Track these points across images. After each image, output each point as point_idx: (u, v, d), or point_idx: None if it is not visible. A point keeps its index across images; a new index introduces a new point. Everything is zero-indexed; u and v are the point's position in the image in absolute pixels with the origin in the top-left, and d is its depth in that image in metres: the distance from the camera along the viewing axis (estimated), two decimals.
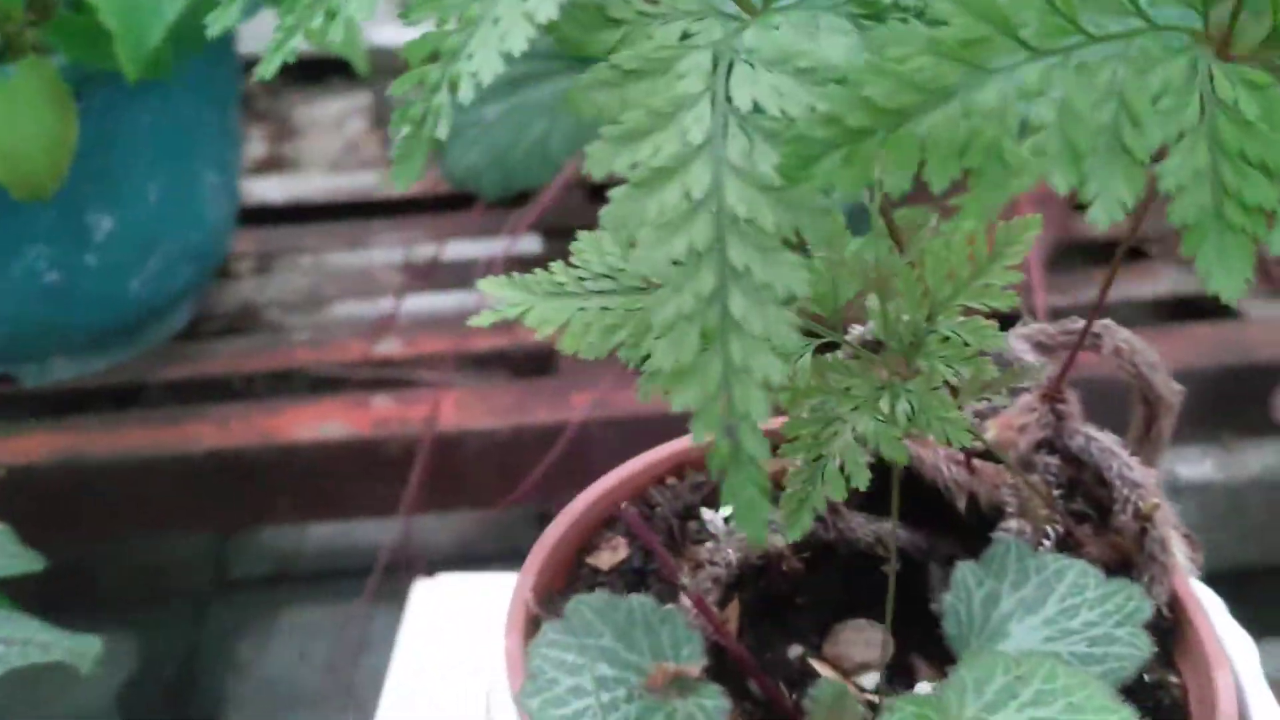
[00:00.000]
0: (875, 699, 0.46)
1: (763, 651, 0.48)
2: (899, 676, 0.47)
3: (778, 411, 0.36)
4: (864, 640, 0.48)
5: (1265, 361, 1.06)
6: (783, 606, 0.49)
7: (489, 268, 1.10)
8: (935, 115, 0.28)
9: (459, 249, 1.22)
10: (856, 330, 0.47)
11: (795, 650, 0.48)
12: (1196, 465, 1.16)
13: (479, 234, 1.23)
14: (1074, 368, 0.48)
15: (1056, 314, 1.06)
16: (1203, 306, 1.13)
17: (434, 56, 0.35)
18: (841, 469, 0.39)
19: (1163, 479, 0.48)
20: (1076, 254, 1.18)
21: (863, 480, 0.39)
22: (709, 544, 0.48)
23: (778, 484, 0.54)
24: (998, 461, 0.48)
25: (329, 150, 1.67)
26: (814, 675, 0.47)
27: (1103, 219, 0.28)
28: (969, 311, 0.41)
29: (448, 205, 1.27)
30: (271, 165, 1.59)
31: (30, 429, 1.05)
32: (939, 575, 0.49)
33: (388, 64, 1.40)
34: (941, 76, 0.28)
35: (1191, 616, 0.45)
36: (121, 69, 0.87)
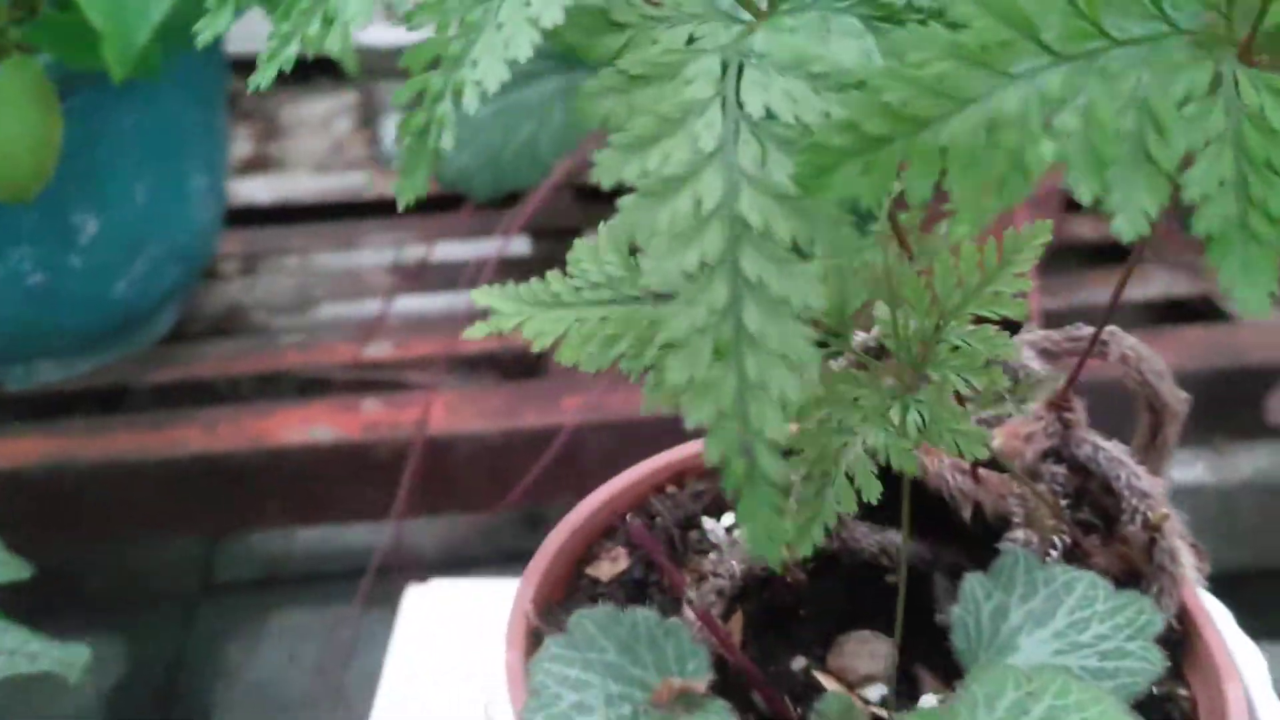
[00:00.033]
0: (881, 712, 0.45)
1: (766, 664, 0.47)
2: (903, 688, 0.47)
3: None
4: (868, 652, 0.48)
5: (1256, 364, 1.05)
6: (785, 617, 0.49)
7: (480, 269, 1.09)
8: (957, 122, 0.27)
9: (449, 250, 1.21)
10: (859, 337, 0.47)
11: (799, 662, 0.48)
12: (1188, 468, 1.15)
13: (469, 235, 1.22)
14: (1059, 365, 0.48)
15: (1049, 317, 1.06)
16: (1194, 309, 1.13)
17: (435, 64, 0.34)
18: (851, 481, 0.39)
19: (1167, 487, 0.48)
20: (1069, 256, 1.17)
21: (874, 494, 0.38)
22: (712, 555, 0.48)
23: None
24: (1004, 470, 0.47)
25: (315, 150, 1.66)
26: (818, 688, 0.47)
27: (1127, 231, 0.27)
28: (979, 320, 0.40)
29: (437, 206, 1.26)
30: (257, 165, 1.58)
31: (14, 433, 1.04)
32: (944, 586, 0.48)
33: (374, 63, 1.40)
34: (963, 82, 0.27)
35: (1201, 628, 0.45)
36: (108, 69, 0.86)
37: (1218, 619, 0.45)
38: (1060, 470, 0.47)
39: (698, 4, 0.36)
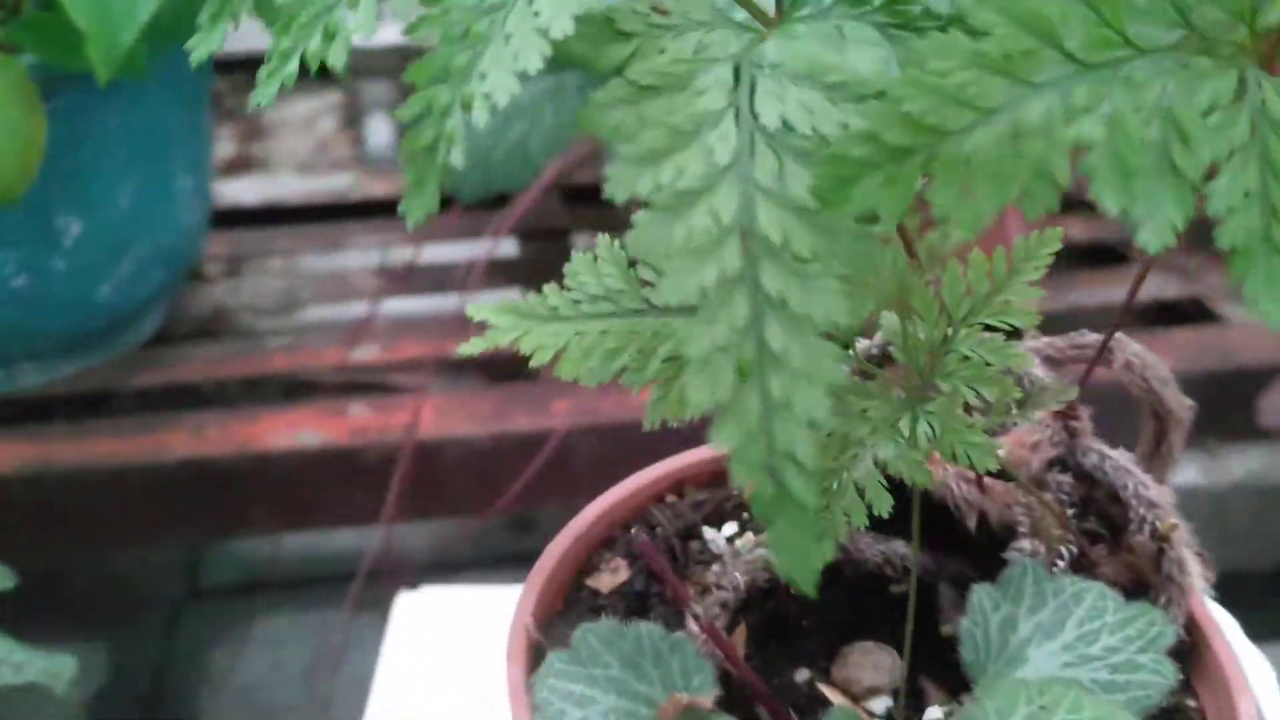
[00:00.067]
0: None
1: (770, 676, 0.46)
2: (908, 701, 0.46)
3: None
4: (872, 663, 0.47)
5: (1247, 366, 1.05)
6: (788, 628, 0.48)
7: (469, 271, 1.08)
8: (980, 132, 0.26)
9: (437, 252, 1.20)
10: (862, 344, 0.46)
11: (802, 674, 0.47)
12: (1180, 470, 1.15)
13: (457, 237, 1.21)
14: (1064, 371, 0.48)
15: (1041, 320, 1.06)
16: (1184, 311, 1.13)
17: (441, 77, 0.34)
18: (860, 494, 0.38)
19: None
20: (1058, 258, 1.17)
21: (885, 506, 0.38)
22: (715, 567, 0.47)
23: None
24: (1009, 479, 0.47)
25: (299, 150, 1.65)
26: (822, 700, 0.46)
27: (1153, 243, 0.27)
28: (989, 329, 0.39)
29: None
30: (241, 165, 1.57)
31: None
32: (949, 596, 0.48)
33: (359, 63, 1.39)
34: (986, 91, 0.26)
35: (1210, 639, 0.44)
36: (92, 70, 0.85)
37: (1226, 629, 0.45)
38: (1066, 479, 0.47)
39: (705, 12, 0.35)
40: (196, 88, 1.09)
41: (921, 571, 0.48)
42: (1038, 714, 0.37)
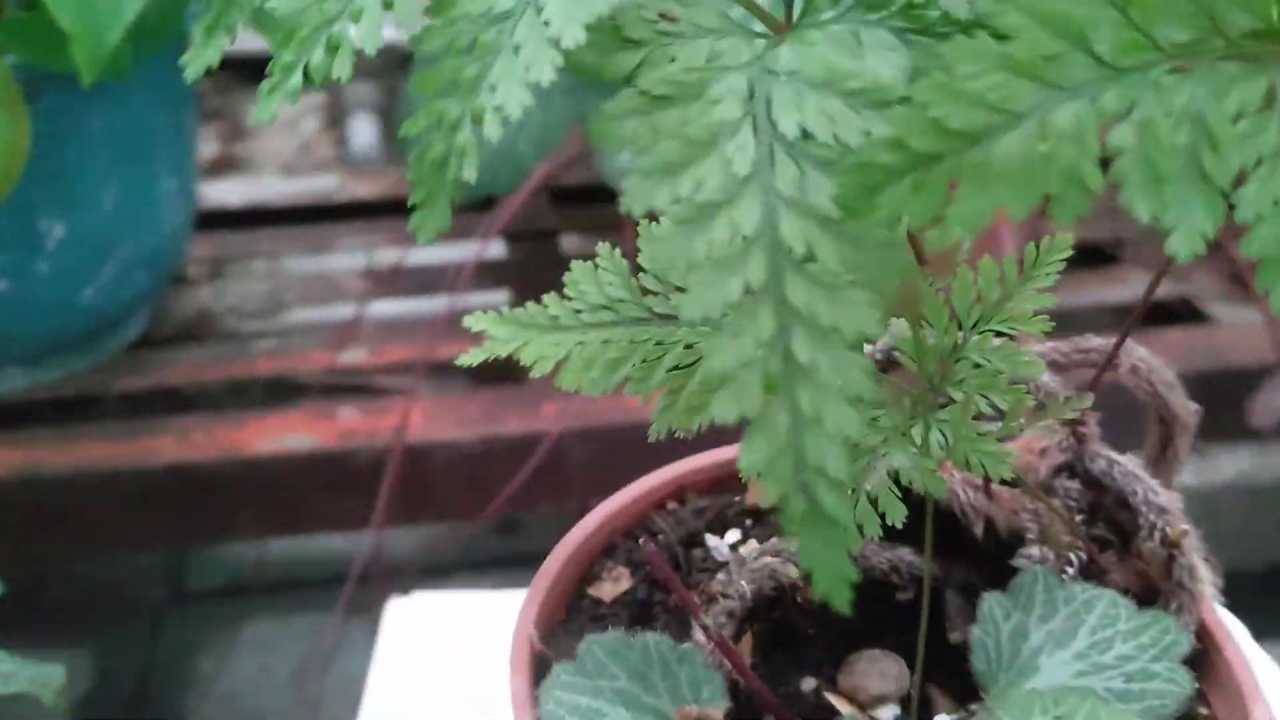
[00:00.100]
0: None
1: (776, 685, 0.46)
2: (917, 707, 0.46)
3: None
4: (879, 671, 0.47)
5: (1237, 366, 1.05)
6: (794, 637, 0.48)
7: (459, 273, 1.07)
8: (1010, 137, 0.26)
9: (424, 254, 1.20)
10: (865, 350, 0.46)
11: (809, 683, 0.47)
12: None
13: (445, 238, 1.20)
14: (1068, 376, 0.47)
15: None
16: (1174, 311, 1.13)
17: (449, 89, 0.33)
18: (873, 503, 0.38)
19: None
20: None
21: (898, 516, 0.37)
22: (721, 576, 0.47)
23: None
24: (1016, 486, 0.46)
25: (282, 151, 1.64)
26: (829, 709, 0.46)
27: (1182, 251, 0.26)
28: (1000, 336, 0.39)
29: (410, 208, 1.24)
30: (224, 166, 1.56)
31: None
32: (956, 603, 0.47)
33: None
34: (1014, 95, 0.26)
35: (1222, 647, 0.44)
36: (76, 71, 0.84)
37: (1236, 635, 0.44)
38: (1074, 485, 0.47)
39: (714, 19, 0.34)
40: (180, 89, 1.08)
41: (929, 579, 0.47)
42: None
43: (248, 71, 1.70)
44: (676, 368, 0.42)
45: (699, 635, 0.44)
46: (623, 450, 0.97)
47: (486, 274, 1.16)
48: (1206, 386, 1.05)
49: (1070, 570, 0.45)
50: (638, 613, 0.48)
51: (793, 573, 0.46)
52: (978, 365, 0.39)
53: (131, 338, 1.12)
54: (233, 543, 1.24)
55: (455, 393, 1.08)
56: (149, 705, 1.16)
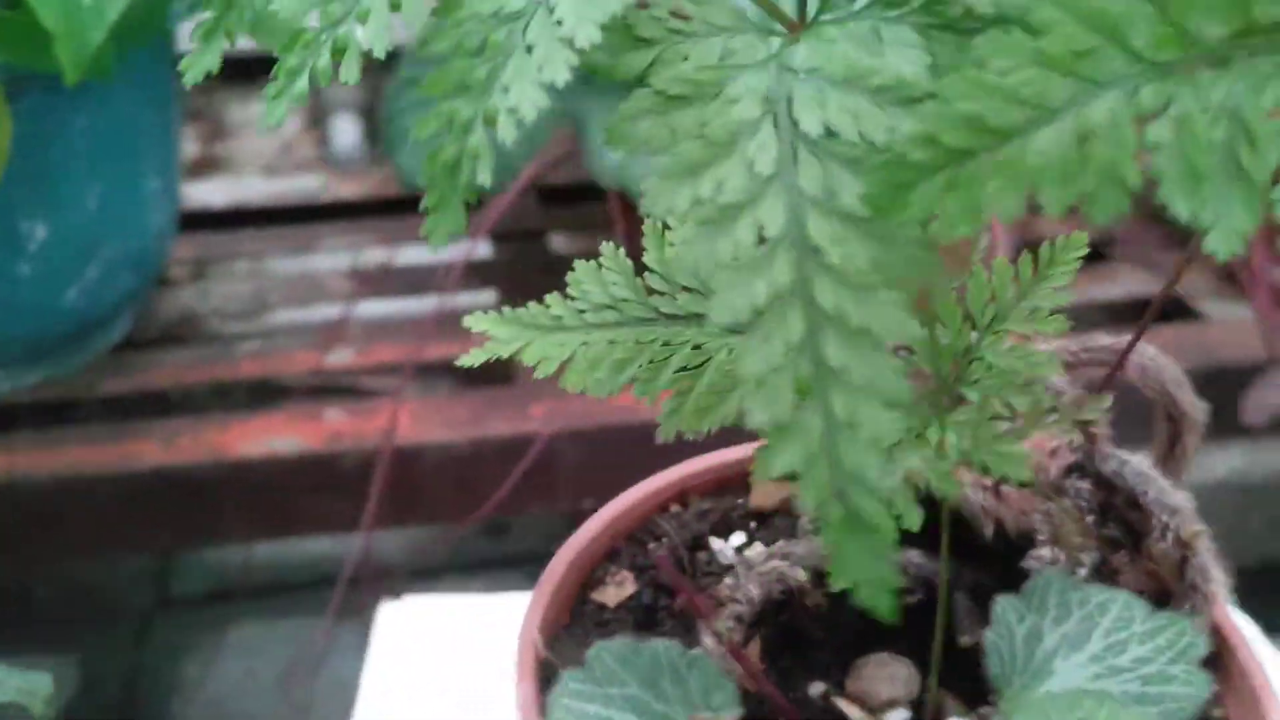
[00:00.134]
0: None
1: (784, 690, 0.45)
2: (926, 713, 0.45)
3: None
4: (888, 675, 0.46)
5: (1228, 363, 1.05)
6: (801, 641, 0.47)
7: (448, 273, 1.06)
8: (1045, 134, 0.25)
9: (411, 254, 1.19)
10: None
11: (817, 688, 0.46)
12: None
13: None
14: (1075, 375, 0.47)
15: None
16: (1164, 309, 1.13)
17: (459, 90, 0.32)
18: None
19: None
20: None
21: (914, 521, 0.37)
22: (728, 580, 0.46)
23: (790, 511, 0.52)
24: (1026, 486, 0.46)
25: (263, 151, 1.62)
26: (838, 714, 0.45)
27: (1221, 249, 0.26)
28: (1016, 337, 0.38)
29: (397, 208, 1.24)
30: (205, 166, 1.54)
31: None
32: (965, 606, 0.47)
33: None
34: (1049, 91, 0.25)
35: (1236, 649, 0.43)
36: (60, 70, 0.83)
37: (1250, 637, 0.44)
38: (1085, 485, 0.46)
39: (726, 17, 0.34)
40: (164, 88, 1.07)
41: (938, 581, 0.47)
42: None
43: (229, 72, 1.68)
44: (684, 369, 0.42)
45: (708, 640, 0.43)
46: (612, 452, 0.97)
47: (473, 274, 1.16)
48: (1198, 384, 1.04)
49: (1082, 571, 0.44)
50: (642, 618, 0.48)
51: (801, 576, 0.46)
52: (992, 366, 0.38)
53: (115, 340, 1.11)
54: (220, 546, 1.23)
55: (443, 394, 1.07)
56: (135, 710, 1.15)
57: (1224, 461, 1.14)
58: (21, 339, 1.02)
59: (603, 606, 0.49)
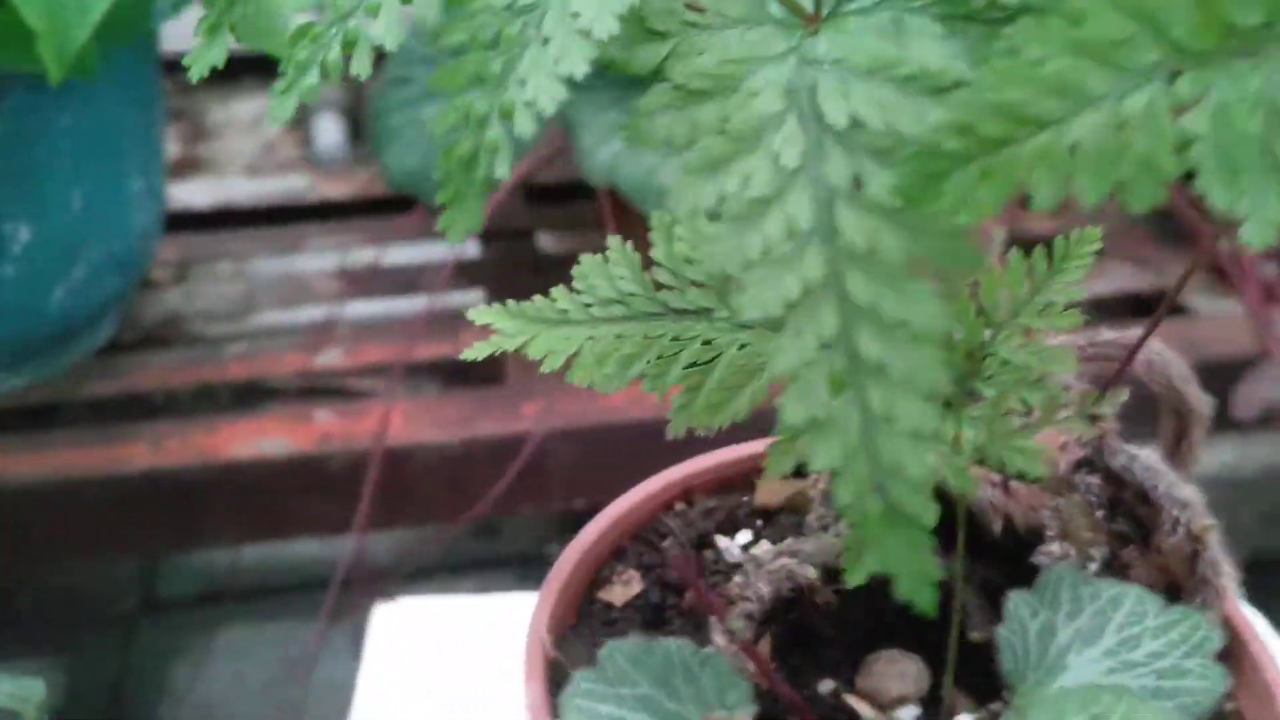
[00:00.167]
0: None
1: (795, 688, 0.45)
2: (937, 708, 0.45)
3: None
4: (898, 672, 0.46)
5: (1218, 358, 1.06)
6: (811, 638, 0.47)
7: (439, 273, 1.06)
8: (1082, 122, 0.25)
9: (399, 254, 1.18)
10: None
11: (827, 685, 0.46)
12: None
13: (416, 238, 1.19)
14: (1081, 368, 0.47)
15: None
16: (1152, 304, 1.13)
17: (474, 84, 0.32)
18: None
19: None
20: (1023, 253, 1.17)
21: (930, 517, 0.36)
22: (738, 578, 0.46)
23: (796, 509, 0.52)
24: (1034, 481, 0.46)
25: (244, 151, 1.61)
26: (848, 712, 0.45)
27: (1255, 240, 0.25)
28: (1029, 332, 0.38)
29: (384, 209, 1.23)
30: (186, 167, 1.53)
31: None
32: (974, 602, 0.46)
33: None
34: (1086, 79, 0.25)
35: (1248, 643, 0.43)
36: (44, 69, 0.82)
37: (1262, 631, 0.44)
38: (1094, 480, 0.46)
39: (741, 9, 0.33)
40: (147, 88, 1.06)
41: (947, 577, 0.47)
42: None
43: (210, 72, 1.68)
44: (694, 364, 0.41)
45: (719, 639, 0.43)
46: (605, 451, 0.96)
47: (461, 273, 1.15)
48: None
49: (1092, 566, 0.44)
50: (650, 617, 0.47)
51: (810, 574, 0.46)
52: (1006, 361, 0.38)
53: (101, 342, 1.10)
54: (209, 549, 1.23)
55: (433, 394, 1.07)
56: (123, 715, 1.14)
57: (1214, 456, 1.15)
58: (6, 342, 1.01)
59: (610, 606, 0.48)
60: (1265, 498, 1.19)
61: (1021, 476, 0.46)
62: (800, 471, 0.45)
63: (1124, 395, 0.40)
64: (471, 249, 1.20)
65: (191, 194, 1.35)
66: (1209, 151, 0.25)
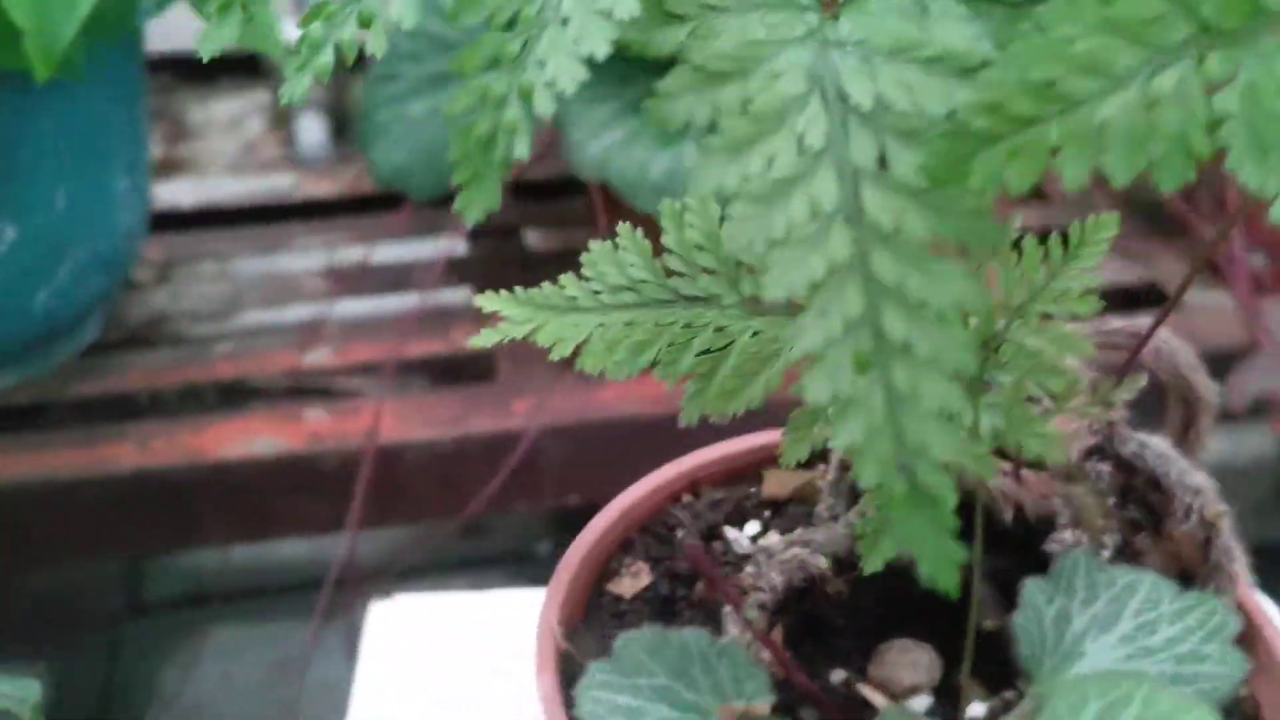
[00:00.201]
0: None
1: (808, 677, 0.45)
2: (949, 697, 0.45)
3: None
4: (910, 661, 0.46)
5: (1210, 349, 1.06)
6: (822, 628, 0.47)
7: (427, 271, 1.05)
8: (1113, 101, 0.25)
9: (388, 251, 1.18)
10: None
11: (839, 675, 0.46)
12: None
13: (407, 235, 1.18)
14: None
15: None
16: (1142, 296, 1.13)
17: (492, 65, 0.31)
18: None
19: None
20: (1012, 244, 1.17)
21: (953, 498, 0.36)
22: (749, 568, 0.45)
23: (804, 500, 0.52)
24: (1045, 469, 0.46)
25: (227, 151, 1.60)
26: (860, 701, 0.45)
27: None
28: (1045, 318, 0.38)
29: (371, 206, 1.22)
30: (169, 167, 1.53)
31: None
32: (986, 590, 0.46)
33: None
34: (1116, 58, 0.25)
35: (1261, 628, 0.43)
36: (29, 68, 0.81)
37: (1275, 616, 0.44)
38: (1105, 468, 0.46)
39: None
40: (132, 87, 1.05)
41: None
42: (1112, 709, 0.36)
43: (190, 71, 1.67)
44: (706, 351, 0.41)
45: (733, 629, 0.43)
46: (597, 447, 0.96)
47: (449, 270, 1.15)
48: None
49: (1105, 553, 0.44)
50: (660, 608, 0.47)
51: (822, 564, 0.45)
52: (1023, 347, 0.38)
53: (86, 342, 1.09)
54: (198, 549, 1.22)
55: (423, 392, 1.06)
56: (113, 717, 1.13)
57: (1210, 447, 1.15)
58: None
59: (619, 598, 0.48)
60: (1257, 487, 1.20)
61: (1035, 464, 0.46)
62: (808, 462, 0.45)
63: (1142, 381, 0.40)
64: (459, 246, 1.19)
65: (176, 194, 1.34)
66: (1239, 130, 0.25)
